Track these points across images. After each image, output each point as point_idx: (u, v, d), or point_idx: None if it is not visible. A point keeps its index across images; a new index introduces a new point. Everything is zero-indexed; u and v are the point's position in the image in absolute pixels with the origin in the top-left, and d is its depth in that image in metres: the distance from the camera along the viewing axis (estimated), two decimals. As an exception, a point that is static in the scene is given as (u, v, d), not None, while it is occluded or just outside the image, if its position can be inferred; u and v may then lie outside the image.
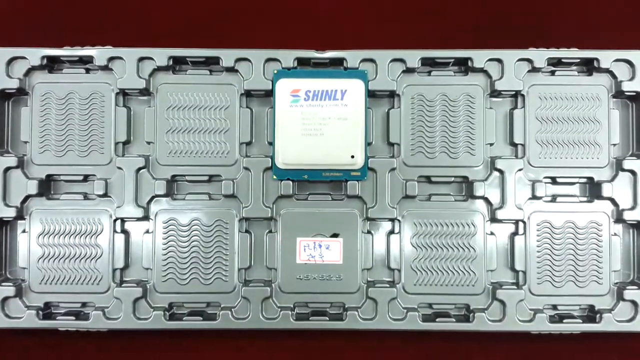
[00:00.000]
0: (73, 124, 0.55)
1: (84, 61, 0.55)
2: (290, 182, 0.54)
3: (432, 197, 0.56)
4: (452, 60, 0.55)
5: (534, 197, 0.55)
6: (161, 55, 0.55)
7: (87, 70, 0.56)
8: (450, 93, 0.55)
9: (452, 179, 0.55)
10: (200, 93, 0.55)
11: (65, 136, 0.55)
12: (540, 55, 0.55)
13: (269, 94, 0.54)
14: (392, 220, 0.55)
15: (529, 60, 0.55)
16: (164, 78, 0.55)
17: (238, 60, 0.55)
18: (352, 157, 0.53)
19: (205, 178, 0.55)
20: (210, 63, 0.55)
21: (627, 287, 0.53)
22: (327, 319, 0.53)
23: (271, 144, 0.54)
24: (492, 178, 0.55)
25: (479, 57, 0.55)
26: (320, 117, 0.52)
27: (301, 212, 0.55)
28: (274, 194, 0.55)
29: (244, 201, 0.55)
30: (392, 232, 0.55)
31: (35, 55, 0.54)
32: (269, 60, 0.54)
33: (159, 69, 0.55)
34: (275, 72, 0.54)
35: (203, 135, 0.55)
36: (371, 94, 0.54)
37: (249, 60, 0.55)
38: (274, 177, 0.54)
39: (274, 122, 0.53)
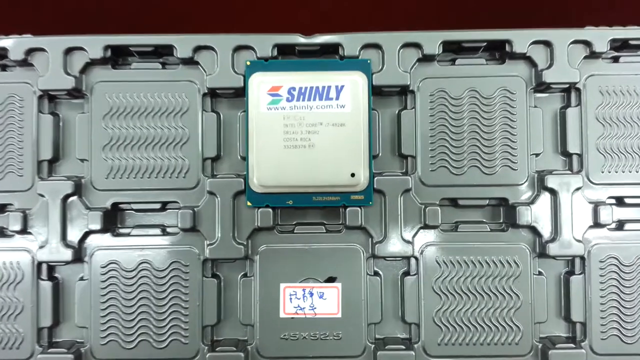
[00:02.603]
0: (-17, 137, 0.45)
1: (-3, 55, 0.45)
2: (270, 210, 0.44)
3: (459, 226, 0.45)
4: (485, 43, 0.44)
5: (597, 224, 0.44)
6: (95, 45, 0.44)
7: (3, 68, 0.46)
8: (482, 87, 0.44)
9: (487, 201, 0.45)
10: (150, 94, 0.44)
11: (-26, 153, 0.45)
12: (600, 36, 0.44)
13: (241, 93, 0.44)
14: (407, 258, 0.44)
15: (587, 43, 0.44)
16: (101, 75, 0.45)
17: (198, 48, 0.44)
18: (353, 175, 0.42)
19: (157, 206, 0.45)
20: (162, 54, 0.45)
21: None
22: (322, 393, 0.43)
23: (245, 159, 0.43)
24: (540, 200, 0.44)
25: (521, 38, 0.44)
26: (308, 122, 0.42)
27: (286, 249, 0.44)
28: (248, 226, 0.44)
29: (208, 236, 0.44)
30: (407, 273, 0.44)
31: None
32: (239, 48, 0.44)
33: (93, 62, 0.44)
34: (248, 63, 0.43)
35: (154, 150, 0.44)
36: (377, 91, 0.44)
37: (213, 49, 0.44)
38: (249, 203, 0.43)
39: (247, 131, 0.42)
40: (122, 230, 0.45)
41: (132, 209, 0.45)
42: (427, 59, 0.44)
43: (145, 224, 0.45)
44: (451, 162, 0.44)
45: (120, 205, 0.45)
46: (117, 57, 0.45)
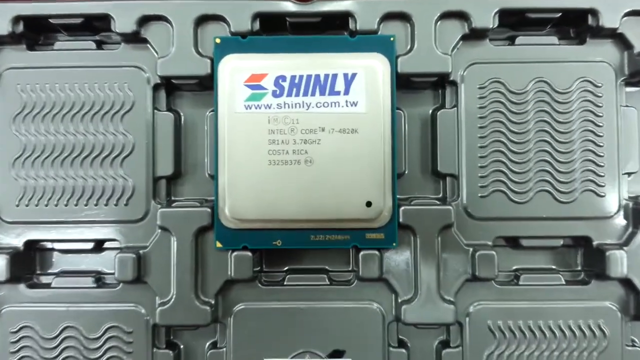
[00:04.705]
0: None
1: None
2: (250, 254, 0.31)
3: (522, 276, 0.32)
4: (558, 14, 0.31)
5: None
6: (0, 15, 0.31)
7: None
8: (554, 78, 0.31)
9: (561, 242, 0.32)
10: (79, 85, 0.31)
11: None
12: None
13: (207, 84, 0.31)
14: (447, 325, 0.31)
15: (703, 14, 0.31)
16: (11, 58, 0.32)
17: (145, 20, 0.31)
18: (369, 204, 0.29)
19: (89, 246, 0.32)
20: (98, 28, 0.32)
21: None
22: None
23: (214, 178, 0.31)
24: (637, 240, 0.31)
25: (610, 7, 0.31)
26: (305, 127, 0.30)
27: (272, 309, 0.31)
28: (218, 277, 0.31)
29: (160, 291, 0.31)
30: (446, 344, 0.32)
31: None
32: (204, 19, 0.31)
33: (-1, 40, 0.32)
34: (218, 41, 0.31)
35: (83, 165, 0.31)
36: (402, 82, 0.32)
37: (167, 20, 0.31)
38: (218, 244, 0.30)
39: (217, 139, 0.30)
40: (41, 279, 0.33)
41: (53, 249, 0.33)
42: (476, 35, 0.32)
43: (73, 269, 0.33)
44: (510, 184, 0.31)
45: (38, 245, 0.32)
46: (37, 33, 0.33)
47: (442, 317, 0.30)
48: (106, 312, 0.31)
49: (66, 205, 0.31)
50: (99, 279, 0.32)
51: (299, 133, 0.30)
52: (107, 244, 0.32)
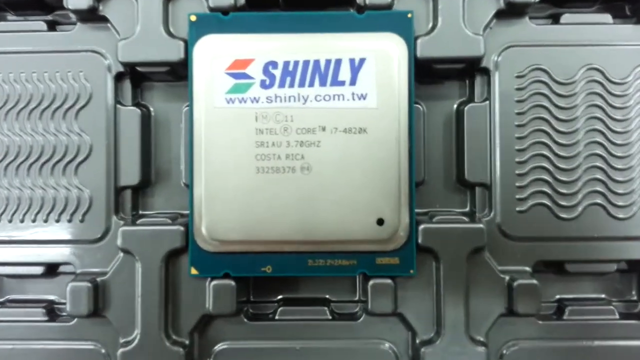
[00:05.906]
0: None
1: None
2: (233, 283, 0.25)
3: (567, 309, 0.26)
4: None
5: None
6: None
7: None
8: (608, 64, 0.26)
9: (614, 266, 0.26)
10: (26, 75, 0.26)
11: None
12: None
13: (182, 72, 0.25)
14: None
15: None
16: (-56, 41, 0.27)
17: (104, -6, 0.26)
18: (380, 222, 0.24)
19: (39, 270, 0.26)
20: (49, 6, 0.27)
21: None
22: None
23: (189, 187, 0.25)
24: None
25: None
26: (301, 126, 0.24)
27: (261, 349, 0.26)
28: (194, 311, 0.25)
29: (123, 328, 0.25)
30: (474, 391, 0.26)
31: None
32: None
33: None
34: (193, 18, 0.25)
35: (30, 172, 0.25)
36: (422, 70, 0.26)
37: (131, -6, 0.26)
38: (193, 270, 0.25)
39: (192, 141, 0.24)
40: (-18, 311, 0.27)
41: (-3, 274, 0.27)
42: (513, 11, 0.26)
43: (21, 298, 0.27)
44: (555, 196, 0.25)
45: (-22, 268, 0.27)
46: (-23, 12, 0.27)
47: (468, 356, 0.25)
48: (60, 351, 0.26)
49: (10, 222, 0.26)
50: (51, 310, 0.26)
51: (294, 133, 0.24)
52: (62, 268, 0.27)
